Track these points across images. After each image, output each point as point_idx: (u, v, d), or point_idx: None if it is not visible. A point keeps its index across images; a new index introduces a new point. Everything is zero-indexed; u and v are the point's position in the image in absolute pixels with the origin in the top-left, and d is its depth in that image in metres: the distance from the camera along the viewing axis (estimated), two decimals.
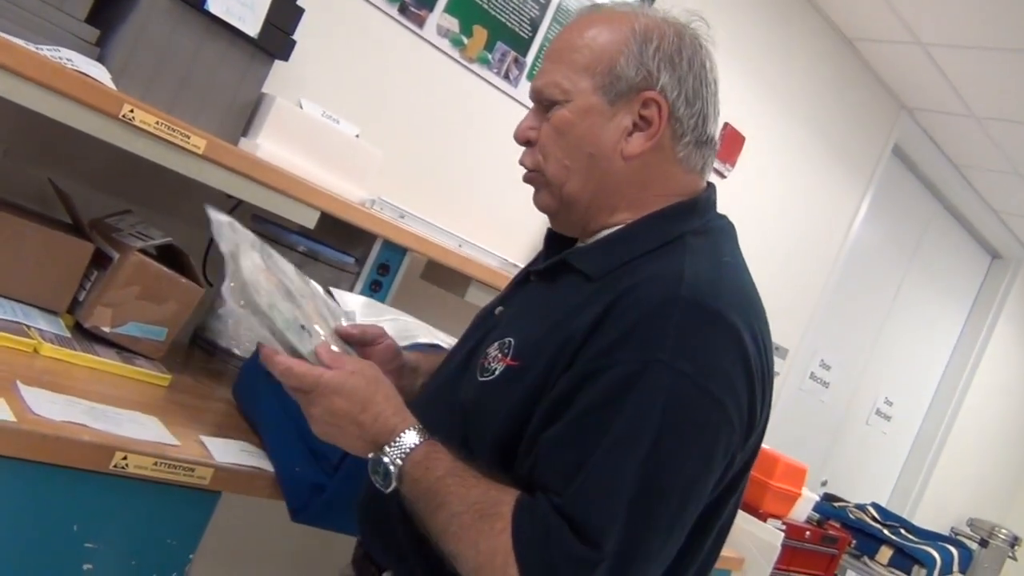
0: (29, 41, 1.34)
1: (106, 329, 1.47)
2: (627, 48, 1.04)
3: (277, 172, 1.57)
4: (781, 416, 3.77)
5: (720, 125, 1.13)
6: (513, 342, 1.03)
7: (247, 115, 1.65)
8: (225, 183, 1.52)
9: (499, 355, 1.03)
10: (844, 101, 3.44)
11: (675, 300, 0.93)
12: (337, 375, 0.98)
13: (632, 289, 0.96)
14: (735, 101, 3.02)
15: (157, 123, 1.40)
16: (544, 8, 2.39)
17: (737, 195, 3.15)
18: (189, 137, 1.44)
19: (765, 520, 2.49)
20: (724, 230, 1.11)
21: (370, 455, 0.97)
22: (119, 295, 1.49)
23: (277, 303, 1.01)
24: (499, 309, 1.16)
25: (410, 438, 0.96)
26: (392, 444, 0.96)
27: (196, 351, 1.78)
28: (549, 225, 1.17)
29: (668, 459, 0.89)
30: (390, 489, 0.95)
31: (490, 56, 2.32)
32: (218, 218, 1.04)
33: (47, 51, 1.35)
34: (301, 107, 1.79)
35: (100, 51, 1.47)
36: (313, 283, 1.17)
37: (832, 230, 3.66)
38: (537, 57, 2.41)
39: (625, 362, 0.91)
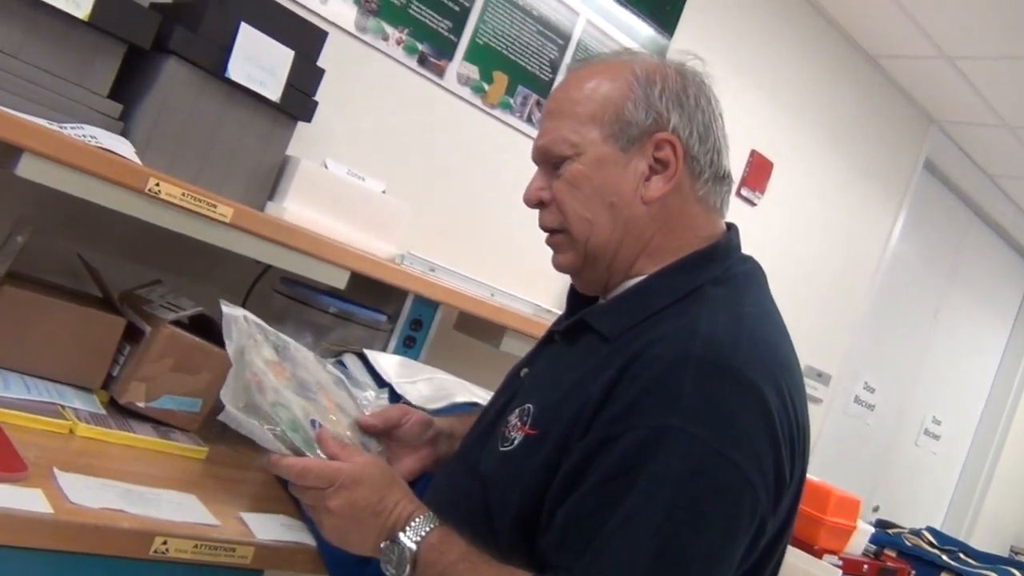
0: (53, 121, 1.34)
1: (141, 404, 1.46)
2: (632, 93, 1.02)
3: (305, 235, 1.56)
4: (827, 443, 3.69)
5: (728, 163, 1.10)
6: (532, 409, 1.00)
7: (273, 179, 1.65)
8: (253, 250, 1.51)
9: (518, 423, 1.01)
10: (872, 119, 3.39)
11: (688, 359, 0.89)
12: (355, 466, 0.98)
13: (645, 349, 0.92)
14: (761, 127, 2.98)
15: (183, 195, 1.39)
16: (563, 49, 2.38)
17: (768, 222, 3.11)
18: (216, 206, 1.43)
19: (821, 557, 2.41)
20: (750, 275, 1.07)
21: (383, 544, 0.95)
22: (153, 369, 1.47)
23: (283, 399, 1.02)
24: (524, 371, 1.12)
25: (425, 523, 0.95)
26: (408, 528, 0.95)
27: None
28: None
29: (684, 529, 0.85)
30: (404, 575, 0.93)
31: (512, 100, 2.31)
32: (232, 313, 1.07)
33: (71, 130, 1.34)
34: (326, 167, 1.78)
35: (124, 125, 1.47)
36: (334, 370, 1.17)
37: (868, 250, 3.60)
38: None
39: (637, 428, 0.87)
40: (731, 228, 1.10)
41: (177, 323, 1.52)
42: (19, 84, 1.34)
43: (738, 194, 2.98)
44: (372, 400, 1.20)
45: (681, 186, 1.03)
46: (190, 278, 1.79)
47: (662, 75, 1.04)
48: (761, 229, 3.09)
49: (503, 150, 2.29)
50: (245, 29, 1.52)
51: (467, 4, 2.16)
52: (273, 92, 1.56)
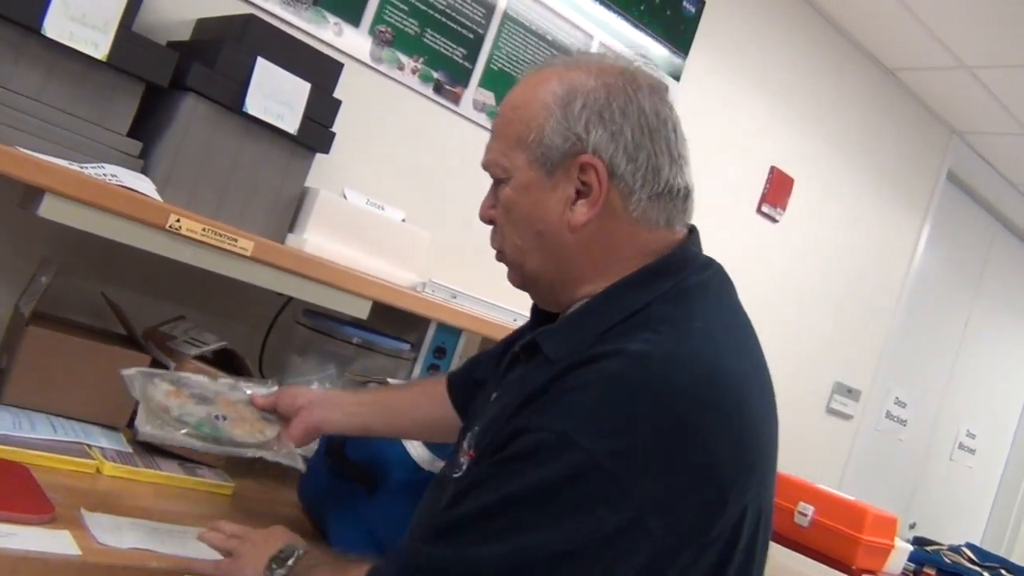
0: (74, 161, 1.35)
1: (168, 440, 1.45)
2: (550, 114, 0.96)
3: (326, 266, 1.55)
4: (860, 459, 3.63)
5: (681, 172, 1.01)
6: (477, 430, 0.99)
7: (292, 211, 1.65)
8: (275, 282, 1.50)
9: (466, 447, 0.99)
10: (892, 132, 3.36)
11: (609, 375, 0.84)
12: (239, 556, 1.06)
13: (575, 366, 0.87)
14: (781, 143, 2.96)
15: (204, 230, 1.39)
16: None
17: (791, 238, 3.08)
18: (236, 240, 1.43)
19: None
20: (706, 286, 0.99)
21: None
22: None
23: (188, 409, 1.17)
24: (494, 395, 1.06)
25: (290, 553, 1.02)
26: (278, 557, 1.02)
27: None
28: None
29: (544, 520, 0.80)
30: None
31: None
32: (127, 373, 1.21)
33: (92, 169, 1.35)
34: (345, 197, 1.78)
35: (144, 163, 1.47)
36: (225, 379, 1.33)
37: (893, 263, 3.55)
38: None
39: (537, 429, 0.83)
40: (689, 235, 1.02)
41: (201, 358, 1.52)
42: (40, 126, 1.35)
43: (759, 211, 2.96)
44: (265, 390, 1.33)
45: (612, 208, 0.96)
46: (213, 313, 1.79)
47: (584, 90, 0.96)
48: (784, 246, 3.06)
49: None
50: (261, 63, 1.52)
51: (481, 31, 2.17)
52: (291, 125, 1.57)
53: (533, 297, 1.08)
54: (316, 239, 1.62)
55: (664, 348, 0.87)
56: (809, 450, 3.31)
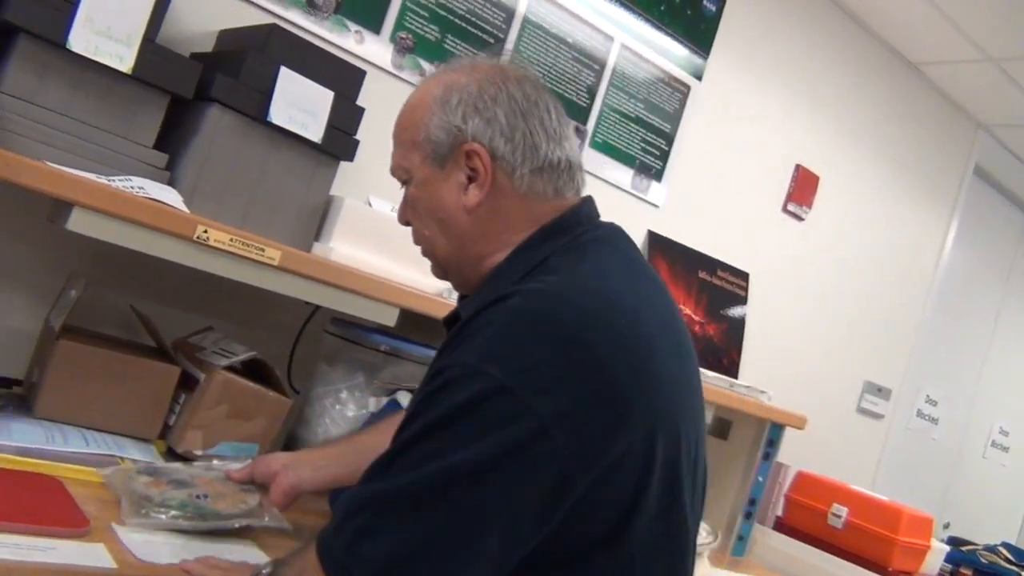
0: (101, 175, 1.36)
1: (198, 452, 1.45)
2: (431, 113, 1.07)
3: (353, 274, 1.55)
4: (892, 459, 3.59)
5: (560, 146, 1.08)
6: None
7: (318, 219, 1.65)
8: (302, 291, 1.50)
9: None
10: (917, 127, 3.32)
11: (511, 310, 0.92)
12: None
13: (479, 311, 0.94)
14: (805, 141, 2.94)
15: (231, 240, 1.39)
16: (599, 75, 2.37)
17: (818, 236, 3.05)
18: (264, 250, 1.43)
19: None
20: (600, 239, 1.07)
21: None
22: (208, 416, 1.47)
23: (169, 494, 1.21)
24: None
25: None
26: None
27: None
28: None
29: (451, 441, 0.86)
30: None
31: None
32: (104, 474, 1.25)
33: (119, 182, 1.36)
34: (370, 205, 1.77)
35: (170, 174, 1.48)
36: (199, 463, 1.39)
37: (921, 259, 3.51)
38: (597, 125, 2.38)
39: (448, 367, 0.90)
40: (584, 201, 1.11)
41: (231, 368, 1.52)
42: (68, 140, 1.36)
43: (784, 210, 2.93)
44: (238, 464, 1.36)
45: (500, 186, 1.06)
46: (241, 323, 1.79)
47: (458, 87, 1.07)
48: (811, 244, 3.03)
49: None
50: (285, 73, 1.52)
51: (501, 36, 2.16)
52: (315, 133, 1.57)
53: (452, 284, 1.17)
54: (342, 247, 1.62)
55: (557, 282, 0.96)
56: (840, 450, 3.28)
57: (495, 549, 0.86)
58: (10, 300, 1.58)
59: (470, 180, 1.06)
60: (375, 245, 1.67)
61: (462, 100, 1.06)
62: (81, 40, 1.33)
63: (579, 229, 1.06)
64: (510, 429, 0.85)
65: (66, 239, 1.47)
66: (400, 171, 1.12)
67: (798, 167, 2.93)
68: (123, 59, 1.38)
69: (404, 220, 1.16)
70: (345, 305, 1.55)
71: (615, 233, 1.10)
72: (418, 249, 1.16)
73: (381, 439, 1.33)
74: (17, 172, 1.21)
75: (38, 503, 1.09)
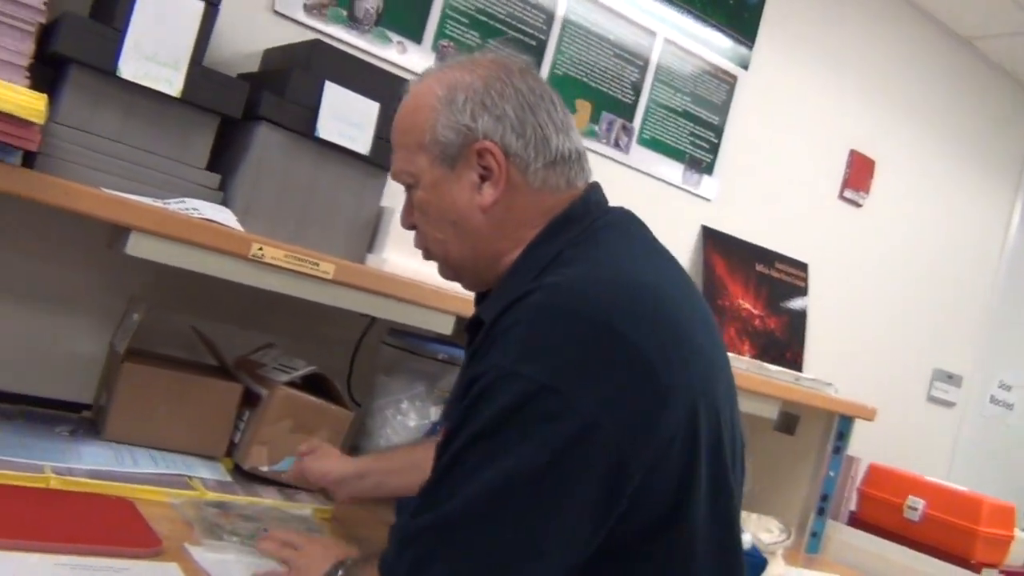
0: (156, 198, 1.37)
1: (264, 468, 1.46)
2: (438, 114, 1.05)
3: (407, 284, 1.54)
4: (966, 448, 3.48)
5: (568, 137, 1.08)
6: (442, 419, 1.09)
7: (370, 231, 1.65)
8: (358, 303, 1.50)
9: (437, 435, 1.05)
10: (975, 103, 3.22)
11: (535, 307, 0.91)
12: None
13: (501, 313, 0.94)
14: (858, 125, 2.87)
15: (285, 256, 1.40)
16: (643, 71, 2.34)
17: (877, 222, 2.97)
18: (318, 264, 1.43)
19: (980, 572, 2.25)
20: (611, 225, 1.06)
21: None
22: (272, 432, 1.48)
23: (237, 525, 1.24)
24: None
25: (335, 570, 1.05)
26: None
27: None
28: None
29: (502, 454, 0.84)
30: None
31: (596, 128, 2.28)
32: (174, 503, 1.27)
33: (174, 204, 1.37)
34: None
35: (223, 194, 1.49)
36: (267, 501, 1.42)
37: (986, 240, 3.40)
38: (644, 121, 2.36)
39: (481, 375, 0.89)
40: (590, 188, 1.10)
41: (291, 384, 1.53)
42: (123, 166, 1.38)
43: (841, 196, 2.87)
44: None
45: (514, 183, 1.04)
46: (300, 338, 1.80)
47: (463, 86, 1.05)
48: (870, 230, 2.96)
49: (593, 177, 2.24)
50: (330, 88, 1.53)
51: (543, 37, 2.15)
52: (363, 146, 1.57)
53: (465, 285, 1.15)
54: (396, 257, 1.62)
55: (574, 274, 0.95)
56: (912, 441, 3.18)
57: (559, 551, 0.85)
58: (75, 326, 1.61)
59: (483, 179, 1.04)
60: None
61: (469, 98, 1.04)
62: (130, 66, 1.35)
63: (589, 218, 1.05)
64: (558, 427, 0.84)
65: (126, 263, 1.49)
66: (404, 175, 1.10)
67: (852, 152, 2.86)
68: (172, 83, 1.39)
69: (409, 224, 1.14)
70: (401, 315, 1.55)
71: (625, 217, 1.09)
72: None
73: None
74: (75, 199, 1.23)
75: (111, 524, 1.11)
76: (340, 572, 1.04)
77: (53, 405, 1.54)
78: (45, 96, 1.17)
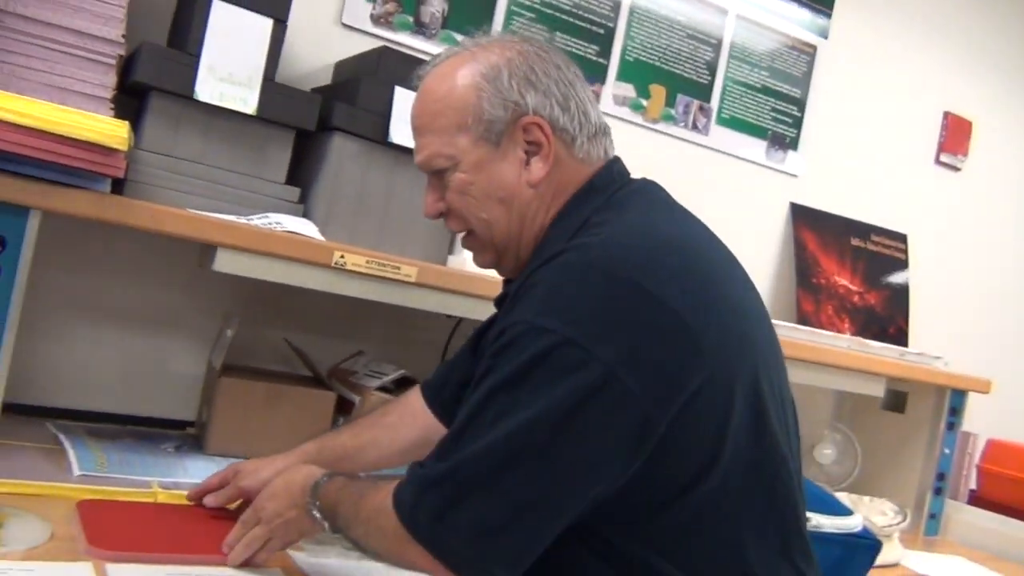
0: (240, 215, 1.41)
1: (361, 474, 1.47)
2: (483, 91, 1.04)
3: (490, 281, 1.53)
4: None
5: (597, 109, 1.11)
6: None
7: (450, 232, 1.64)
8: (442, 304, 1.51)
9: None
10: None
11: (562, 266, 0.93)
12: (260, 497, 1.09)
13: (535, 271, 0.95)
14: (950, 86, 2.74)
15: (367, 262, 1.41)
16: (717, 49, 2.28)
17: (978, 185, 2.83)
18: (400, 268, 1.44)
19: None
20: (635, 191, 1.08)
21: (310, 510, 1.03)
22: None
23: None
24: None
25: (319, 480, 1.03)
26: (307, 499, 1.03)
27: None
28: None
29: (529, 402, 0.86)
30: (328, 527, 1.01)
31: (673, 111, 2.23)
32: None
33: (257, 220, 1.40)
34: None
35: (304, 206, 1.52)
36: None
37: None
38: (722, 101, 2.30)
39: (509, 326, 0.91)
40: (614, 159, 1.11)
41: (383, 388, 1.54)
42: (206, 186, 1.42)
43: (937, 162, 2.74)
44: None
45: (560, 157, 1.06)
46: (389, 343, 1.82)
47: (505, 62, 1.05)
48: (972, 194, 2.82)
49: (673, 162, 2.21)
50: (400, 92, 1.54)
51: (611, 25, 2.12)
52: None
53: (503, 268, 1.14)
54: None
55: (603, 235, 0.96)
56: None
57: (580, 497, 0.88)
58: (174, 346, 1.66)
59: (529, 154, 1.05)
60: None
61: (514, 74, 1.04)
62: (207, 89, 1.39)
63: (614, 186, 1.07)
64: (579, 376, 0.86)
65: (218, 281, 1.53)
66: (440, 159, 1.07)
67: (947, 114, 2.73)
68: (247, 101, 1.42)
69: (437, 212, 1.12)
70: (485, 313, 1.53)
71: (650, 185, 1.10)
72: None
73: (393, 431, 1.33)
74: (162, 221, 1.27)
75: (216, 534, 1.13)
76: (318, 490, 1.02)
77: (158, 424, 1.60)
78: (127, 124, 1.21)
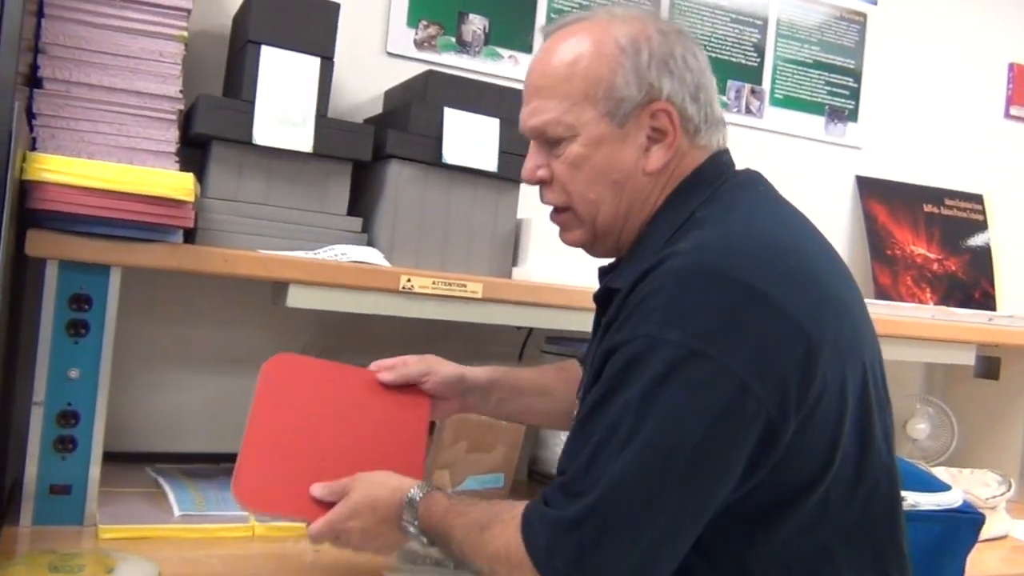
0: (307, 250, 1.45)
1: (449, 491, 1.50)
2: (620, 66, 0.98)
3: (556, 290, 1.55)
4: None
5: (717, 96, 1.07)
6: (584, 381, 1.04)
7: (512, 244, 1.67)
8: (511, 317, 1.52)
9: (576, 401, 1.06)
10: None
11: (674, 272, 0.89)
12: (335, 511, 1.05)
13: (645, 274, 0.91)
14: (1012, 35, 2.63)
15: (433, 283, 1.44)
16: (763, 30, 2.25)
17: None
18: (466, 285, 1.46)
19: None
20: (741, 184, 1.04)
21: (403, 527, 1.03)
22: (450, 455, 1.52)
23: (431, 551, 1.13)
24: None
25: (413, 494, 1.02)
26: (404, 516, 1.02)
27: (536, 486, 1.77)
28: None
29: (665, 427, 0.83)
30: (427, 544, 1.01)
31: (724, 98, 2.21)
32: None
33: (324, 253, 1.44)
34: None
35: (367, 235, 1.55)
36: None
37: None
38: (774, 81, 2.26)
39: (624, 343, 0.88)
40: (722, 150, 1.07)
41: None
42: (271, 226, 1.46)
43: (1008, 116, 2.64)
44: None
45: (680, 148, 1.02)
46: (463, 360, 1.83)
47: (646, 39, 0.99)
48: None
49: (732, 149, 2.17)
50: (450, 114, 1.56)
51: None
52: (490, 163, 1.59)
53: (597, 251, 1.10)
54: (540, 267, 1.63)
55: (711, 236, 0.92)
56: None
57: (712, 512, 0.87)
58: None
59: (650, 141, 1.00)
60: (571, 258, 1.66)
61: (653, 55, 0.99)
62: (264, 133, 1.43)
63: (720, 179, 1.03)
64: (713, 394, 0.83)
65: (292, 316, 1.57)
66: (558, 127, 1.01)
67: (1012, 66, 2.63)
68: (303, 140, 1.46)
69: (539, 178, 1.06)
70: (554, 321, 1.55)
71: (755, 176, 1.07)
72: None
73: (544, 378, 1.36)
74: (234, 265, 1.32)
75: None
76: (417, 508, 1.01)
77: None
78: (192, 176, 1.26)
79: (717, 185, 1.02)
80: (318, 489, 1.07)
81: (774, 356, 0.86)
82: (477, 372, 1.30)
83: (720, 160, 1.05)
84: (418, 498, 1.02)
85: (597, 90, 0.99)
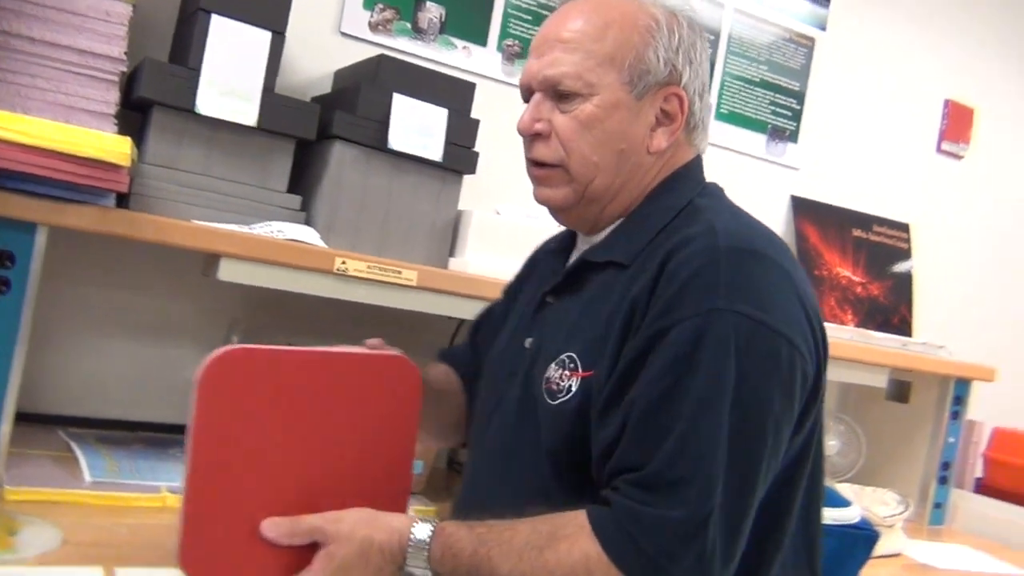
0: (243, 224, 1.44)
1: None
2: (655, 40, 1.00)
3: (491, 283, 1.56)
4: None
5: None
6: (576, 355, 0.98)
7: (450, 235, 1.68)
8: (444, 307, 1.53)
9: (566, 373, 0.98)
10: None
11: (717, 250, 0.91)
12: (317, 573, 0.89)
13: (672, 253, 0.93)
14: (950, 73, 2.74)
15: (368, 267, 1.44)
16: (715, 44, 2.29)
17: (981, 173, 2.83)
18: (400, 272, 1.47)
19: None
20: (720, 192, 1.09)
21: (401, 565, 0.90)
22: None
23: None
24: (528, 341, 1.08)
25: (420, 534, 0.89)
26: (408, 561, 0.89)
27: (455, 476, 1.79)
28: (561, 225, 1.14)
29: (752, 400, 0.87)
30: None
31: None
32: None
33: (260, 229, 1.43)
34: (499, 214, 1.79)
35: (306, 214, 1.54)
36: None
37: None
38: (720, 96, 2.31)
39: (684, 319, 0.88)
40: (699, 155, 1.11)
41: None
42: (209, 197, 1.45)
43: (939, 151, 2.74)
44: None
45: (678, 137, 1.04)
46: (392, 346, 1.84)
47: (678, 23, 1.02)
48: (975, 182, 2.81)
49: None
50: (398, 99, 1.56)
51: None
52: (435, 152, 1.60)
53: (571, 216, 1.07)
54: (477, 259, 1.64)
55: (728, 221, 0.97)
56: None
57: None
58: (181, 353, 1.70)
59: (657, 122, 1.02)
60: (509, 252, 1.68)
61: (682, 41, 1.01)
62: (208, 103, 1.42)
63: (701, 177, 1.09)
64: (782, 363, 0.89)
65: (223, 290, 1.56)
66: (576, 81, 0.99)
67: (948, 102, 2.73)
68: (247, 113, 1.45)
69: (536, 131, 1.02)
70: None
71: (722, 190, 1.11)
72: None
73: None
74: (167, 233, 1.30)
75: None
76: (428, 550, 0.89)
77: (167, 429, 1.63)
78: (129, 140, 1.24)
79: (703, 185, 1.07)
80: (270, 529, 0.89)
81: (806, 325, 0.93)
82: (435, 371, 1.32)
83: (701, 163, 1.10)
84: (427, 538, 0.89)
85: (626, 57, 0.99)
